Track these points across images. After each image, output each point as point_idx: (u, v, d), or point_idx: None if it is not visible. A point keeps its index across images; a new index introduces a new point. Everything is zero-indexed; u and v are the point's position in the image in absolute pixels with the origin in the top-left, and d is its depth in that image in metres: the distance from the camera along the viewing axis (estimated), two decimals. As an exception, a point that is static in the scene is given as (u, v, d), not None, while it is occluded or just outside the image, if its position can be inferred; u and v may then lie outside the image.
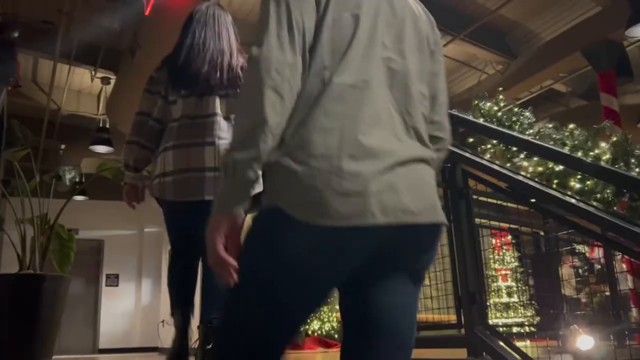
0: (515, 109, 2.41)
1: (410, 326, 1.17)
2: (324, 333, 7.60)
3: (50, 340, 4.67)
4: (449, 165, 2.46)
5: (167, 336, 8.87)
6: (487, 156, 2.38)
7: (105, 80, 7.85)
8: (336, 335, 7.76)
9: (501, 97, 2.53)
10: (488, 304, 9.28)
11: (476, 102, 2.56)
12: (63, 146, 9.59)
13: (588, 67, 7.25)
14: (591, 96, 9.21)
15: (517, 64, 7.56)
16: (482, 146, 2.40)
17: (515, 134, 2.19)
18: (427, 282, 3.04)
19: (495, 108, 2.44)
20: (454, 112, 2.53)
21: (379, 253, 1.09)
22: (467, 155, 2.39)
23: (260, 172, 1.09)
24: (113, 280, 11.68)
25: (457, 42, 6.82)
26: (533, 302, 8.36)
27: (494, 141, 2.36)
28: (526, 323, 7.53)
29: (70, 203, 4.95)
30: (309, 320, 7.43)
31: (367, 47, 1.16)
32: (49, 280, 4.54)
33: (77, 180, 10.48)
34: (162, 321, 9.14)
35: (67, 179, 5.09)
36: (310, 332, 7.47)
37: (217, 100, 2.49)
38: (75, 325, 11.23)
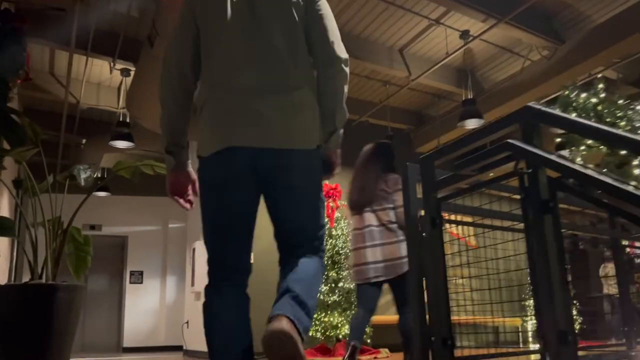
0: (620, 101, 1.92)
1: (292, 218, 1.82)
2: (356, 338, 7.16)
3: (64, 354, 4.30)
4: (529, 170, 1.97)
5: (191, 337, 8.57)
6: (578, 159, 1.90)
7: (125, 72, 7.48)
8: (369, 340, 7.32)
9: (601, 85, 2.04)
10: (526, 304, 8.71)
11: (566, 92, 2.08)
12: (84, 141, 9.30)
13: (643, 52, 6.65)
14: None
15: (565, 49, 6.96)
16: (573, 148, 1.92)
17: (627, 134, 1.69)
18: (500, 314, 2.59)
19: (594, 100, 1.94)
20: (534, 104, 2.04)
21: (254, 171, 1.75)
22: (555, 158, 1.90)
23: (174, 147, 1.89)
24: (137, 277, 11.42)
25: (502, 25, 6.26)
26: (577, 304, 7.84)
27: (589, 142, 1.88)
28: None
29: (92, 199, 4.60)
30: (339, 325, 7.01)
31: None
32: (61, 290, 4.18)
33: (97, 176, 10.22)
34: (187, 322, 8.80)
35: (82, 179, 4.71)
36: (341, 337, 7.04)
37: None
38: (99, 323, 11.03)
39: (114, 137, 7.37)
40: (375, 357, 6.86)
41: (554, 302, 1.89)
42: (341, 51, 1.88)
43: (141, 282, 11.42)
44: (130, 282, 11.37)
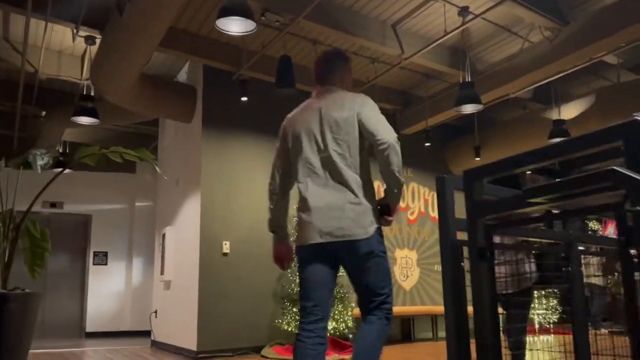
0: None
1: (360, 279, 2.57)
2: (339, 334, 6.73)
3: (17, 370, 3.73)
4: (637, 208, 1.48)
5: (159, 328, 8.05)
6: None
7: (89, 40, 6.74)
8: (350, 335, 6.90)
9: None
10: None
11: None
12: (43, 113, 8.52)
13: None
14: (641, 69, 8.21)
15: (569, 31, 6.50)
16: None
17: None
18: None
19: None
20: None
21: (328, 254, 2.56)
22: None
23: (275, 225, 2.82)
24: (101, 258, 10.77)
25: (506, 2, 5.74)
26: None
27: None
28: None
29: (53, 174, 3.99)
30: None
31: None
32: (13, 300, 3.60)
33: (58, 151, 9.45)
34: (155, 311, 8.25)
35: (38, 166, 4.08)
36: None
37: None
38: (60, 306, 10.40)
39: (77, 112, 6.67)
40: (359, 356, 6.45)
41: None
42: (383, 135, 2.56)
43: (105, 264, 10.78)
44: (94, 264, 10.72)
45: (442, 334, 8.84)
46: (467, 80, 6.61)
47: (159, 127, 9.20)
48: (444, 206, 2.18)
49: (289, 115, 2.88)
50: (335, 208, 2.50)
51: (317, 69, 2.93)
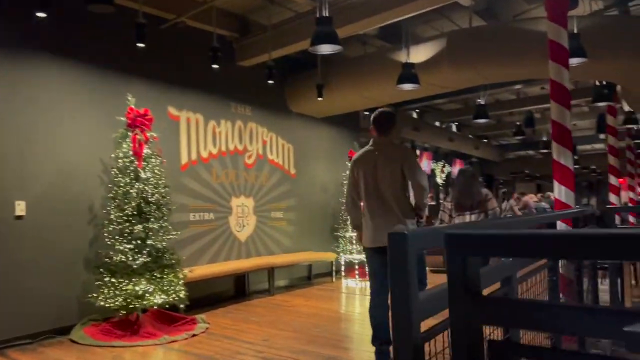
0: None
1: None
2: (169, 306, 5.74)
3: None
4: None
5: None
6: None
7: None
8: (182, 305, 5.94)
9: None
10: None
11: None
12: None
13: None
14: (489, 16, 7.97)
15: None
16: None
17: None
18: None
19: None
20: None
21: (378, 252, 4.23)
22: None
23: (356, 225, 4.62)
24: None
25: None
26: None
27: None
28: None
29: None
30: (146, 294, 5.48)
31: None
32: None
33: None
34: None
35: None
36: (147, 309, 5.56)
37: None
38: None
39: None
40: (193, 335, 5.52)
41: None
42: (420, 181, 4.27)
43: None
44: None
45: (278, 283, 8.28)
46: (323, 14, 5.66)
47: None
48: (404, 283, 1.32)
49: (356, 156, 4.50)
50: (384, 225, 4.18)
51: (379, 122, 4.42)
